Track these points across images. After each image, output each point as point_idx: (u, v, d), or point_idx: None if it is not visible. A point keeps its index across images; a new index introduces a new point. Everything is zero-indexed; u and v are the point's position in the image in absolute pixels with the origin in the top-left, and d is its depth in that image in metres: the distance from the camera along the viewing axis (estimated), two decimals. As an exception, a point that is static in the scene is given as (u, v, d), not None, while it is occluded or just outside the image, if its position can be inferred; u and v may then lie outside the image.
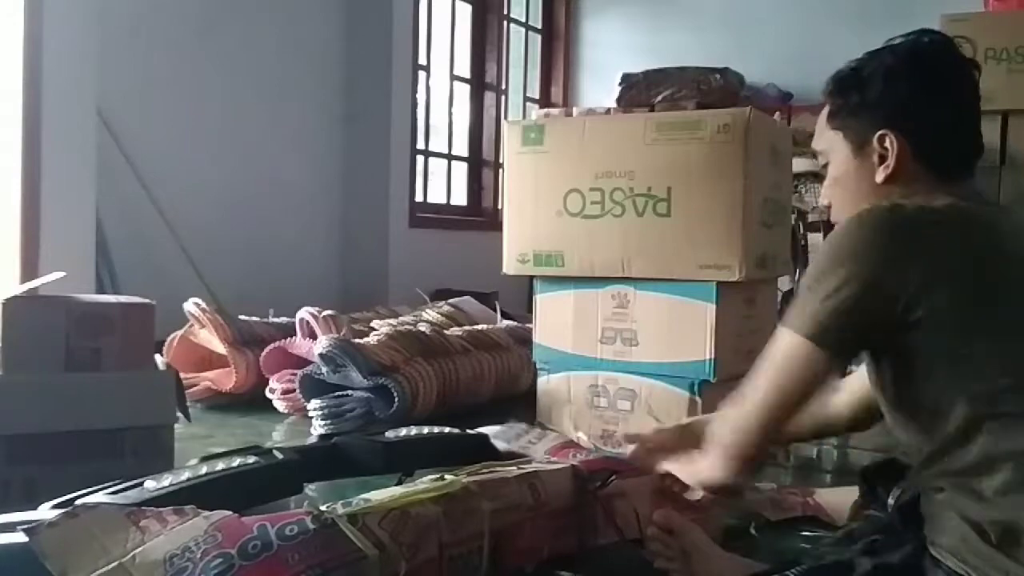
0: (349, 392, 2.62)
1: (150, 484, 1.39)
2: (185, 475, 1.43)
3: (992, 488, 1.07)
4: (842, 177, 1.32)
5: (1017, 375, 1.09)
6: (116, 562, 1.11)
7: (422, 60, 5.26)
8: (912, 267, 1.11)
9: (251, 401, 2.96)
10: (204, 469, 1.46)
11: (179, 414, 2.06)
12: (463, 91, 5.80)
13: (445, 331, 3.09)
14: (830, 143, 1.32)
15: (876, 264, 1.13)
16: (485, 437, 1.90)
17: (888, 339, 1.16)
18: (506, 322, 3.50)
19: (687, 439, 1.51)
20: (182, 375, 2.28)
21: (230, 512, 1.20)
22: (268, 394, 2.90)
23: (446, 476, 1.39)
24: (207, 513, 1.19)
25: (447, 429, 1.95)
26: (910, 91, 1.24)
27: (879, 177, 1.25)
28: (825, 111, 1.34)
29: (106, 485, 1.40)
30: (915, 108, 1.23)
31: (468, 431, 1.95)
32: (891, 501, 1.30)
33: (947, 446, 1.12)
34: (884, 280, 1.12)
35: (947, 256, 1.12)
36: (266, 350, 2.96)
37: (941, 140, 1.24)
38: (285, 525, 1.17)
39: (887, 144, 1.23)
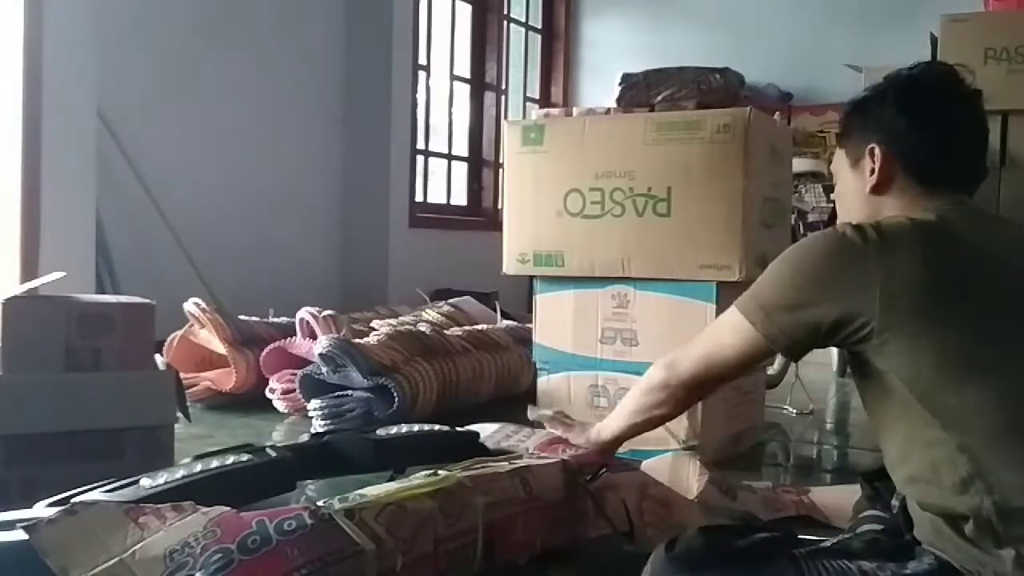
0: (349, 392, 2.62)
1: (145, 482, 1.39)
2: (180, 473, 1.43)
3: (950, 485, 1.11)
4: (843, 191, 1.41)
5: (982, 379, 1.12)
6: (116, 558, 1.12)
7: (422, 60, 5.26)
8: (865, 290, 1.15)
9: (251, 401, 2.96)
10: (199, 467, 1.46)
11: (179, 414, 2.06)
12: (463, 91, 5.80)
13: (445, 331, 3.09)
14: (837, 161, 1.42)
15: (813, 282, 1.21)
16: (475, 434, 1.90)
17: (851, 354, 1.23)
18: (506, 322, 3.50)
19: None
20: (182, 375, 2.28)
21: (228, 508, 1.21)
22: (268, 394, 2.90)
23: (439, 472, 1.40)
24: (205, 509, 1.20)
25: (437, 427, 1.96)
26: (898, 116, 1.30)
27: (867, 187, 1.32)
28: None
29: (101, 483, 1.40)
30: (901, 131, 1.30)
31: (458, 428, 1.95)
32: (894, 503, 1.31)
33: (904, 453, 1.18)
34: (816, 297, 1.20)
35: (902, 276, 1.15)
36: (266, 350, 2.96)
37: (928, 159, 1.29)
38: (283, 520, 1.17)
39: (875, 156, 1.30)
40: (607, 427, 1.64)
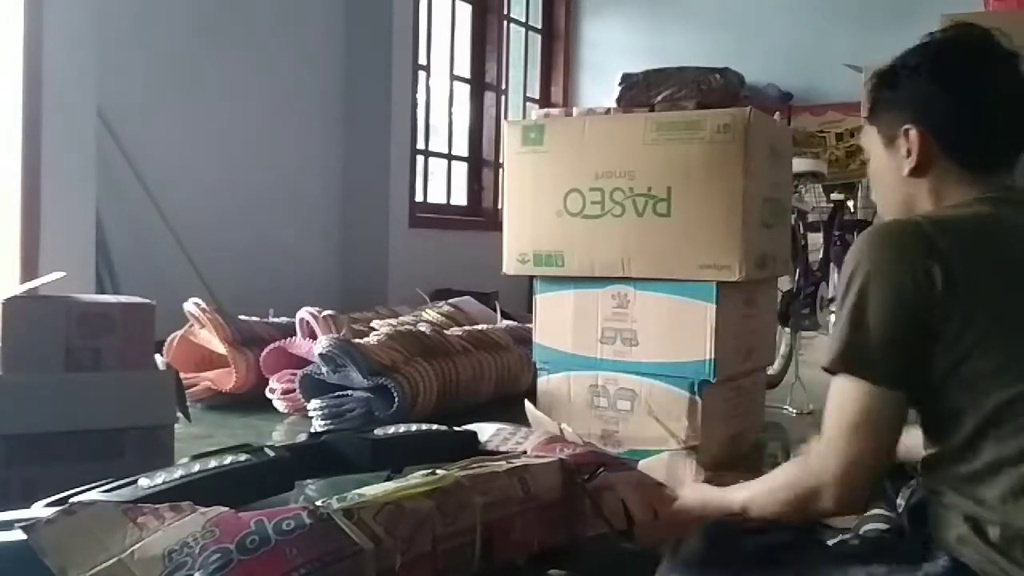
0: (349, 392, 2.62)
1: (144, 482, 1.39)
2: (178, 473, 1.43)
3: (993, 495, 1.08)
4: (877, 171, 1.33)
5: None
6: (115, 558, 1.12)
7: (422, 60, 5.26)
8: (933, 274, 1.10)
9: (251, 401, 2.96)
10: (197, 467, 1.46)
11: (179, 414, 2.06)
12: (463, 91, 5.80)
13: (445, 331, 3.09)
14: (868, 138, 1.34)
15: (892, 269, 1.12)
16: (473, 434, 1.90)
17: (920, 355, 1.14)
18: (506, 322, 3.50)
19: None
20: (182, 375, 2.28)
21: (227, 508, 1.21)
22: (268, 394, 2.90)
23: (437, 471, 1.40)
24: (204, 509, 1.20)
25: (435, 427, 1.96)
26: (931, 87, 1.23)
27: (904, 170, 1.25)
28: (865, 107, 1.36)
29: (100, 483, 1.40)
30: (937, 105, 1.23)
31: (456, 428, 1.95)
32: (900, 501, 1.30)
33: (954, 454, 1.12)
34: (905, 285, 1.11)
35: (960, 268, 1.11)
36: (266, 350, 2.96)
37: (966, 136, 1.23)
38: (282, 520, 1.17)
39: (911, 137, 1.24)
40: (721, 496, 1.39)
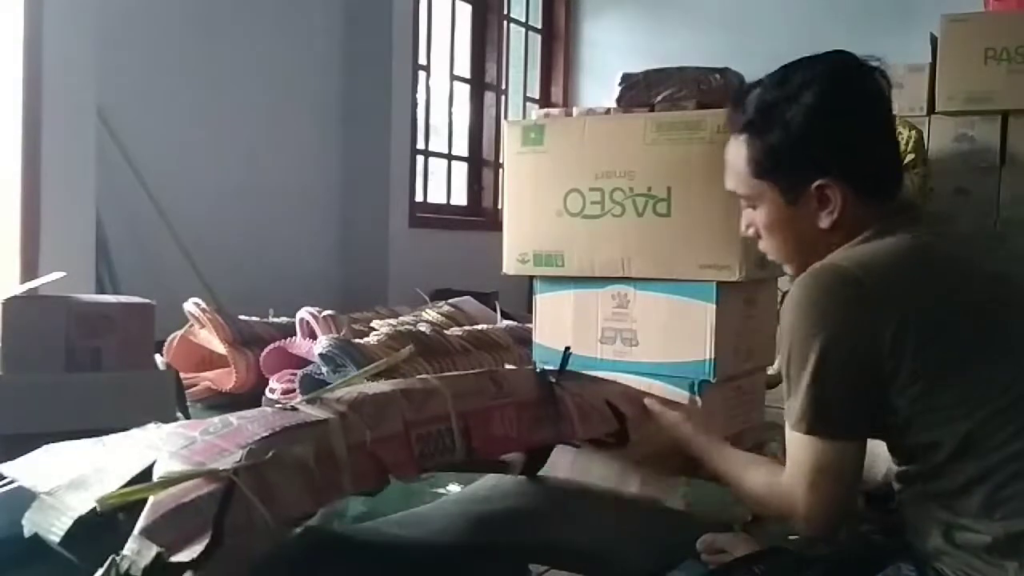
0: (349, 392, 2.62)
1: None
2: None
3: (971, 509, 1.09)
4: (777, 226, 1.27)
5: (993, 404, 1.09)
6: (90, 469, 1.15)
7: (422, 60, 5.26)
8: (879, 325, 1.10)
9: (251, 401, 2.95)
10: None
11: (179, 414, 2.06)
12: (463, 91, 5.80)
13: (445, 331, 3.09)
14: (754, 191, 1.26)
15: (844, 330, 1.11)
16: None
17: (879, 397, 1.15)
18: (506, 322, 3.50)
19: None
20: (182, 375, 2.28)
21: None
22: (268, 394, 2.90)
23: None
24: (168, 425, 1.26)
25: None
26: (839, 132, 1.18)
27: (824, 223, 1.21)
28: (737, 149, 1.27)
29: None
30: (848, 150, 1.18)
31: None
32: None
33: (928, 474, 1.14)
34: (858, 344, 1.11)
35: (903, 312, 1.10)
36: (266, 350, 2.96)
37: (878, 174, 1.21)
38: (245, 412, 1.23)
39: (827, 193, 1.19)
40: (709, 442, 1.43)
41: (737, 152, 1.26)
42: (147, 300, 2.02)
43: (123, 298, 2.15)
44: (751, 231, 1.32)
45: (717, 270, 2.22)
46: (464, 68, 5.79)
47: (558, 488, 1.81)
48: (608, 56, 5.97)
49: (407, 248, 4.89)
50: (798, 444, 1.16)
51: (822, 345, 1.11)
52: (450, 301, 3.70)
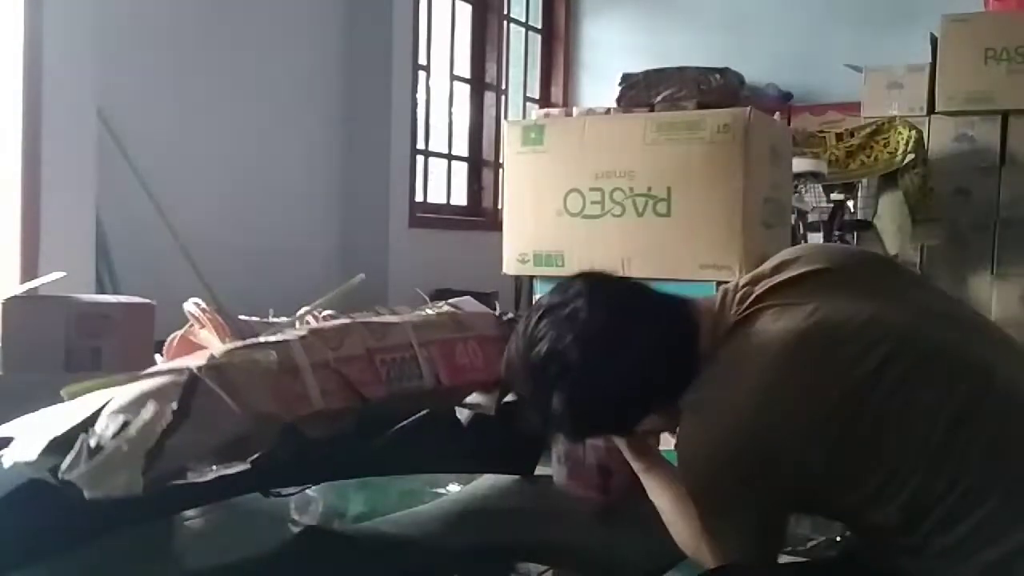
0: (349, 392, 2.62)
1: None
2: None
3: (934, 556, 1.07)
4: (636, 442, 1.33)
5: (920, 463, 1.06)
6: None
7: (422, 60, 5.26)
8: (780, 464, 1.08)
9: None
10: None
11: (179, 414, 2.06)
12: (463, 91, 5.80)
13: (445, 331, 3.09)
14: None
15: (748, 480, 1.10)
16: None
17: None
18: (506, 322, 3.49)
19: None
20: (182, 375, 2.28)
21: None
22: (268, 394, 2.90)
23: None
24: None
25: None
26: (621, 389, 1.16)
27: (670, 427, 1.24)
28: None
29: None
30: (647, 401, 1.19)
31: None
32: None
33: (888, 537, 1.12)
34: (762, 488, 1.10)
35: (790, 439, 1.08)
36: (266, 350, 2.96)
37: (672, 378, 1.17)
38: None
39: (655, 420, 1.23)
40: (641, 458, 1.40)
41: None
42: (147, 300, 2.02)
43: (123, 298, 2.16)
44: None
45: (717, 270, 2.22)
46: (464, 68, 5.79)
47: (557, 488, 1.81)
48: (608, 56, 5.97)
49: (407, 248, 4.89)
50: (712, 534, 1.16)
51: (719, 495, 1.12)
52: (450, 301, 3.68)
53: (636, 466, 1.36)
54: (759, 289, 1.20)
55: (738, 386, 1.10)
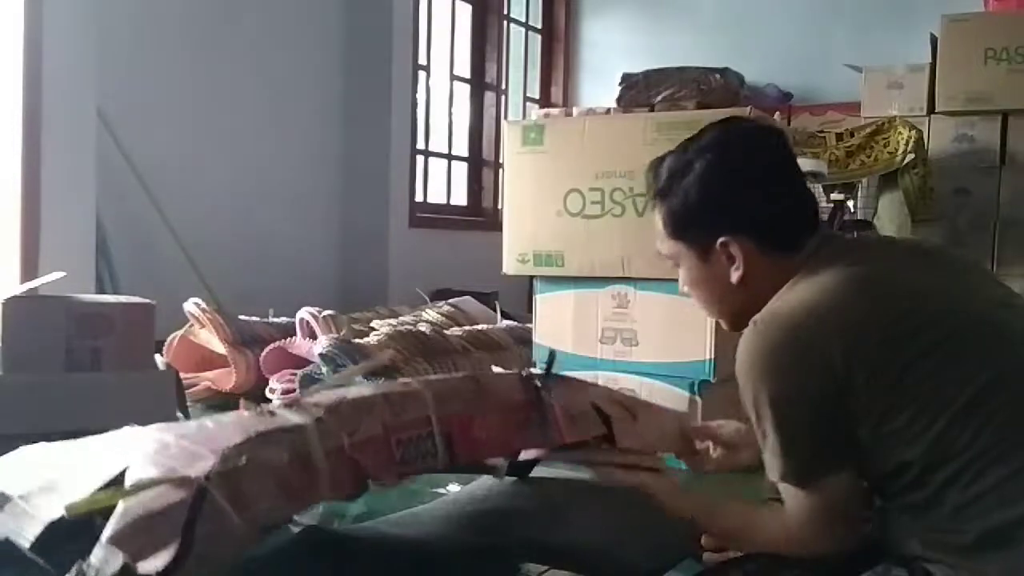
0: (349, 392, 2.62)
1: None
2: None
3: (942, 517, 1.10)
4: (698, 281, 1.34)
5: (949, 411, 1.09)
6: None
7: (422, 60, 5.26)
8: (825, 364, 1.12)
9: (251, 401, 2.96)
10: None
11: (179, 414, 2.06)
12: (463, 91, 5.80)
13: (445, 331, 3.09)
14: (673, 251, 1.35)
15: (793, 377, 1.14)
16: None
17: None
18: (506, 322, 3.50)
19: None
20: (182, 375, 2.28)
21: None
22: (268, 394, 2.90)
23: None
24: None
25: None
26: (730, 192, 1.26)
27: (734, 279, 1.27)
28: (656, 213, 1.36)
29: None
30: (742, 211, 1.26)
31: None
32: None
33: (902, 490, 1.14)
34: (808, 386, 1.14)
35: (850, 338, 1.12)
36: (266, 350, 2.96)
37: (779, 229, 1.26)
38: (223, 416, 1.22)
39: (731, 250, 1.26)
40: (698, 507, 1.39)
41: (656, 216, 1.36)
42: (147, 300, 2.02)
43: (123, 298, 2.15)
44: (685, 288, 1.39)
45: (717, 270, 2.22)
46: (464, 68, 5.79)
47: (556, 488, 1.80)
48: (608, 56, 5.97)
49: (407, 248, 4.89)
50: (791, 496, 1.19)
51: (773, 396, 1.15)
52: (450, 301, 3.70)
53: (684, 510, 1.39)
54: (845, 242, 1.33)
55: (800, 300, 1.18)
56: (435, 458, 1.30)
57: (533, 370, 1.66)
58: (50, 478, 1.11)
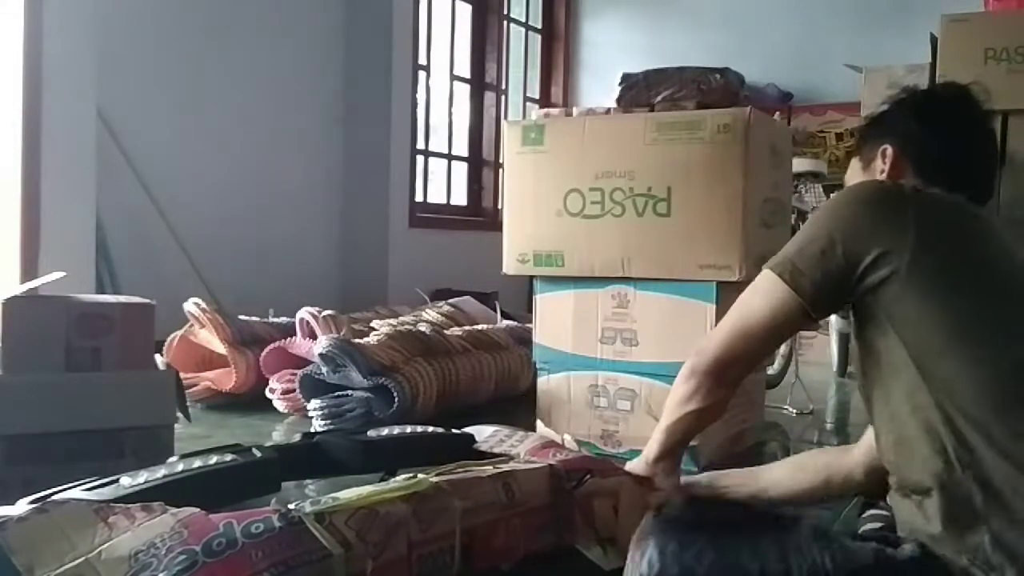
0: (349, 392, 2.62)
1: (125, 481, 1.39)
2: (160, 472, 1.43)
3: (928, 454, 1.12)
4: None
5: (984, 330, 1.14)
6: (82, 558, 1.11)
7: (422, 60, 5.26)
8: (902, 234, 1.17)
9: (251, 401, 2.96)
10: (180, 466, 1.46)
11: (179, 414, 2.06)
12: (463, 91, 5.80)
13: (445, 331, 3.09)
14: (850, 171, 1.48)
15: (850, 225, 1.21)
16: (470, 437, 1.88)
17: (857, 311, 1.23)
18: (506, 322, 3.50)
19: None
20: (182, 375, 2.28)
21: (198, 509, 1.20)
22: (268, 394, 2.90)
23: (419, 475, 1.39)
24: (175, 510, 1.19)
25: (431, 428, 1.94)
26: (913, 118, 1.38)
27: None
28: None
29: (82, 481, 1.39)
30: (914, 131, 1.37)
31: (453, 431, 1.94)
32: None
33: (890, 417, 1.19)
34: (853, 239, 1.20)
35: (933, 229, 1.18)
36: (266, 350, 2.96)
37: (938, 161, 1.35)
38: (251, 523, 1.16)
39: (887, 155, 1.37)
40: (650, 444, 1.52)
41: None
42: (147, 300, 2.02)
43: (123, 298, 2.15)
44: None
45: (717, 270, 2.22)
46: (464, 68, 5.79)
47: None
48: (608, 56, 5.98)
49: (407, 248, 4.89)
50: (754, 287, 1.31)
51: (830, 211, 1.26)
52: (450, 301, 3.69)
53: (645, 458, 1.52)
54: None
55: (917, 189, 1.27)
56: (450, 569, 1.30)
57: (566, 456, 1.64)
58: (68, 566, 1.10)
